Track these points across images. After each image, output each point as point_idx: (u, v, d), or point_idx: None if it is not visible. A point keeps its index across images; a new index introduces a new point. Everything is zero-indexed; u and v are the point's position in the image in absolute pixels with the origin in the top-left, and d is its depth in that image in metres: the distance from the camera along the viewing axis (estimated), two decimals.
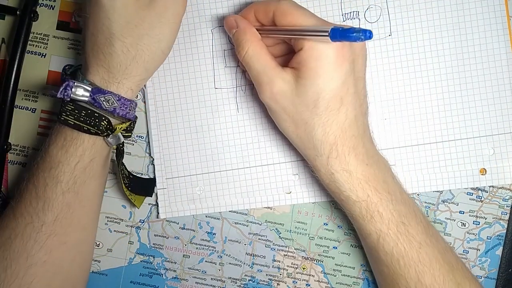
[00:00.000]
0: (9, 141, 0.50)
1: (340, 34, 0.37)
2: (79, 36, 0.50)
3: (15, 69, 0.48)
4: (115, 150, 0.46)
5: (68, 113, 0.42)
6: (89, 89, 0.42)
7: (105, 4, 0.42)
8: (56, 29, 0.50)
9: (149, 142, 0.50)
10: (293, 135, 0.44)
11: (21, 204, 0.43)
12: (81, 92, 0.41)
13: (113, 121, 0.43)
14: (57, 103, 0.50)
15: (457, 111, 0.49)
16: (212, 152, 0.50)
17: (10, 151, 0.50)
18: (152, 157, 0.50)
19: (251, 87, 0.49)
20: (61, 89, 0.41)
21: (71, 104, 0.42)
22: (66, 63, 0.50)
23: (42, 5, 0.50)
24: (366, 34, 0.35)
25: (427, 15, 0.48)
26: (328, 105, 0.41)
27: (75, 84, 0.41)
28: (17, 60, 0.48)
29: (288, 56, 0.45)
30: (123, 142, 0.45)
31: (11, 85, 0.48)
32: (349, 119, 0.41)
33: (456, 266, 0.44)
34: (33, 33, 0.50)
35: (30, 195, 0.43)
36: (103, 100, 0.42)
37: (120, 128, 0.44)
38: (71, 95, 0.41)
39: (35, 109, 0.51)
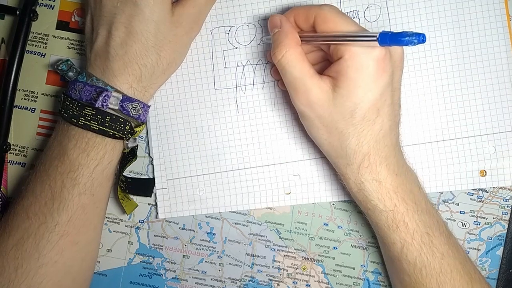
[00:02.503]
0: (8, 141, 0.50)
1: (390, 38, 0.36)
2: (78, 36, 0.50)
3: (14, 69, 0.48)
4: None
5: (89, 118, 0.42)
6: (120, 97, 0.43)
7: (148, 18, 0.43)
8: (56, 28, 0.50)
9: (148, 143, 0.50)
10: (325, 143, 0.43)
11: (36, 205, 0.43)
12: (114, 101, 0.43)
13: (133, 124, 0.44)
14: (57, 103, 0.50)
15: (457, 110, 0.49)
16: (212, 152, 0.50)
17: (10, 151, 0.50)
18: (151, 157, 0.50)
19: (251, 87, 0.49)
20: (100, 99, 0.42)
21: (91, 109, 0.42)
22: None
23: (41, 5, 0.50)
24: (420, 38, 0.34)
25: (427, 14, 0.48)
26: (365, 115, 0.40)
27: (112, 94, 0.42)
28: (16, 60, 0.48)
29: (322, 64, 0.45)
30: (137, 144, 0.47)
31: (11, 85, 0.48)
32: (383, 130, 0.41)
33: (474, 277, 0.44)
34: (33, 33, 0.50)
35: (45, 195, 0.43)
36: (131, 108, 0.44)
37: (139, 131, 0.45)
38: (109, 105, 0.42)
39: (35, 109, 0.51)
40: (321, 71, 0.43)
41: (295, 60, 0.41)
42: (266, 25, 0.49)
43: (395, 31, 0.36)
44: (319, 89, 0.41)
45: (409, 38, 0.35)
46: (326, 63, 0.44)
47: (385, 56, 0.39)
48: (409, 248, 0.43)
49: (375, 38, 0.37)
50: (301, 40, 0.43)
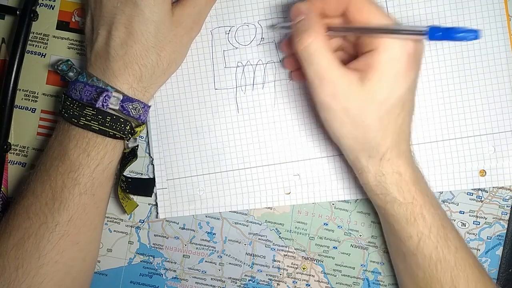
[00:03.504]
0: (9, 141, 0.50)
1: (443, 33, 0.35)
2: (79, 36, 0.50)
3: (15, 69, 0.48)
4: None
5: (90, 118, 0.43)
6: (121, 97, 0.43)
7: (148, 18, 0.43)
8: (56, 29, 0.50)
9: (149, 143, 0.50)
10: (348, 136, 0.42)
11: (36, 204, 0.43)
12: (114, 101, 0.43)
13: (133, 124, 0.44)
14: (58, 103, 0.50)
15: (457, 110, 0.49)
16: (212, 152, 0.50)
17: (10, 151, 0.50)
18: (151, 157, 0.50)
19: (251, 87, 0.49)
20: (101, 99, 0.42)
21: (92, 109, 0.42)
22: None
23: (42, 5, 0.50)
24: (476, 34, 0.34)
25: (426, 14, 0.48)
26: (391, 109, 0.40)
27: (113, 94, 0.42)
28: (17, 60, 0.48)
29: (340, 54, 0.45)
30: (138, 144, 0.47)
31: (11, 85, 0.48)
32: (404, 124, 0.42)
33: (483, 272, 0.44)
34: (33, 33, 0.50)
35: (46, 195, 0.43)
36: (131, 108, 0.44)
37: (140, 131, 0.45)
38: (109, 105, 0.42)
39: (35, 109, 0.51)
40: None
41: (322, 49, 0.40)
42: (266, 25, 0.49)
43: (445, 26, 0.35)
44: (346, 81, 0.40)
45: (463, 35, 0.34)
46: (340, 53, 0.44)
47: (416, 51, 0.39)
48: (426, 241, 0.42)
49: (423, 32, 0.36)
50: (330, 30, 0.42)
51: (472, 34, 0.34)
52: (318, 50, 0.40)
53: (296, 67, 0.47)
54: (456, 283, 0.42)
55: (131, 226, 0.51)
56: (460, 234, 0.45)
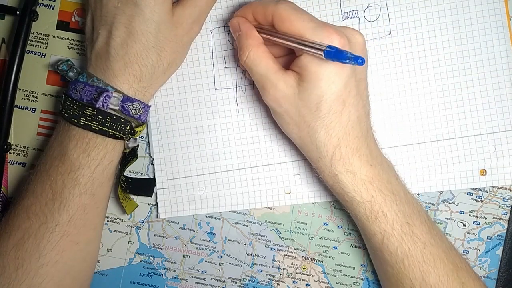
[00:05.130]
0: (9, 141, 0.50)
1: (334, 55, 0.37)
2: (79, 36, 0.50)
3: (15, 69, 0.48)
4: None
5: (90, 119, 0.43)
6: (121, 98, 0.43)
7: (148, 19, 0.43)
8: (56, 29, 0.50)
9: (149, 142, 0.50)
10: (296, 137, 0.44)
11: (36, 205, 0.43)
12: (114, 101, 0.43)
13: (133, 124, 0.44)
14: (58, 103, 0.50)
15: (457, 109, 0.49)
16: (212, 152, 0.50)
17: (10, 151, 0.50)
18: (152, 157, 0.50)
19: (251, 87, 0.49)
20: (101, 99, 0.42)
21: (92, 109, 0.42)
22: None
23: (42, 5, 0.50)
24: (358, 61, 0.36)
25: (427, 13, 0.48)
26: (331, 107, 0.41)
27: (113, 94, 0.42)
28: (17, 60, 0.48)
29: (290, 56, 0.45)
30: (138, 144, 0.47)
31: (11, 85, 0.48)
32: (352, 121, 0.41)
33: (460, 266, 0.44)
34: (33, 33, 0.50)
35: (46, 196, 0.43)
36: (132, 108, 0.44)
37: (140, 131, 0.45)
38: (110, 105, 0.42)
39: (35, 109, 0.51)
40: (289, 63, 0.43)
41: (258, 58, 0.42)
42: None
43: (340, 49, 0.37)
44: (284, 84, 0.41)
45: (348, 61, 0.36)
46: (294, 56, 0.44)
47: (344, 47, 0.39)
48: (390, 238, 0.42)
49: (321, 53, 0.37)
50: (263, 37, 0.43)
51: (353, 61, 0.36)
52: (255, 60, 0.42)
53: None
54: (426, 278, 0.42)
55: (131, 226, 0.51)
56: (435, 229, 0.44)
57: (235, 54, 0.49)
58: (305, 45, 0.39)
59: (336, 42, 0.39)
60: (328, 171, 0.43)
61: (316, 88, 0.40)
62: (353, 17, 0.48)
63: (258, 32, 0.44)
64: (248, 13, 0.45)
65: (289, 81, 0.41)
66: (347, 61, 0.36)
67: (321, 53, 0.37)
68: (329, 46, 0.37)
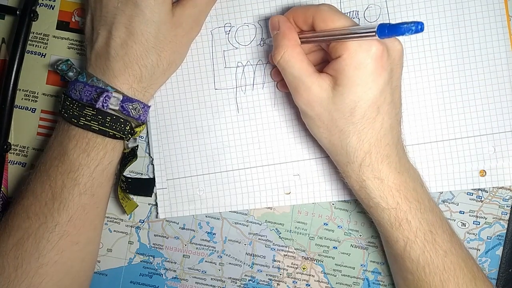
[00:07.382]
0: (9, 141, 0.50)
1: (388, 29, 0.36)
2: (79, 36, 0.50)
3: (15, 69, 0.48)
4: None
5: (90, 119, 0.43)
6: (121, 98, 0.43)
7: (148, 19, 0.43)
8: (56, 29, 0.50)
9: (149, 143, 0.50)
10: (325, 141, 0.44)
11: (36, 205, 0.43)
12: (114, 101, 0.43)
13: (133, 124, 0.44)
14: (57, 103, 0.50)
15: (457, 110, 0.49)
16: (212, 152, 0.50)
17: (10, 151, 0.50)
18: (151, 157, 0.50)
19: (251, 88, 0.49)
20: (101, 99, 0.42)
21: (92, 109, 0.42)
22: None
23: (42, 5, 0.50)
24: (418, 27, 0.34)
25: (427, 14, 0.48)
26: (365, 114, 0.40)
27: (113, 94, 0.42)
28: (17, 60, 0.48)
29: (324, 64, 0.45)
30: (138, 145, 0.47)
31: (11, 85, 0.48)
32: (384, 128, 0.41)
33: (477, 275, 0.44)
34: (33, 33, 0.50)
35: (46, 196, 0.43)
36: (131, 108, 0.44)
37: (140, 131, 0.45)
38: (109, 105, 0.42)
39: (35, 109, 0.51)
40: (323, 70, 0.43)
41: (294, 59, 0.42)
42: (266, 25, 0.49)
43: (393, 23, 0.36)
44: (318, 87, 0.41)
45: (407, 26, 0.35)
46: (328, 63, 0.44)
47: (383, 54, 0.39)
48: (412, 246, 0.43)
49: (373, 32, 0.37)
50: (301, 40, 0.43)
51: (414, 26, 0.34)
52: (290, 61, 0.42)
53: (280, 78, 0.47)
54: (446, 286, 0.42)
55: (131, 226, 0.51)
56: (455, 237, 0.45)
57: (235, 54, 0.49)
58: (355, 33, 0.38)
59: (375, 48, 0.39)
60: (355, 176, 0.43)
61: (352, 93, 0.40)
62: (354, 18, 0.48)
63: (298, 34, 0.43)
64: (289, 17, 0.44)
65: (324, 85, 0.41)
66: (404, 26, 0.34)
67: (373, 33, 0.36)
68: (381, 24, 0.36)
